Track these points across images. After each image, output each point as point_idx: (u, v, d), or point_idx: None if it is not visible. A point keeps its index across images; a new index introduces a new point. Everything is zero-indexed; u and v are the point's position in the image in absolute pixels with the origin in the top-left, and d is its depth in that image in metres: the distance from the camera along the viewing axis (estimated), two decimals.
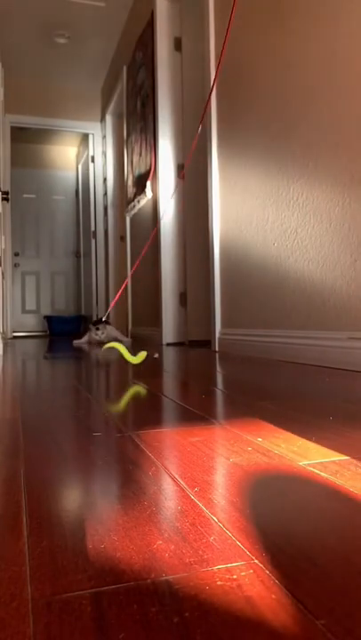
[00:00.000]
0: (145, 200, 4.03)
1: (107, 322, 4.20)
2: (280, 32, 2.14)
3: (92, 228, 6.05)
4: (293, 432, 0.82)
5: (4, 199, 3.96)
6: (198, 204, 3.66)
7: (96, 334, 3.91)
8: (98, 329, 3.93)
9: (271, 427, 0.86)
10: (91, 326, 4.04)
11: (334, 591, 0.35)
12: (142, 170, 4.07)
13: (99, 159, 5.92)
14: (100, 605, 0.34)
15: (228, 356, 2.42)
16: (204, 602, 0.34)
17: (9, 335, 5.59)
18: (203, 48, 3.65)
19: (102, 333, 3.94)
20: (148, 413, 1.00)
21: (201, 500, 0.53)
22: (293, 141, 2.07)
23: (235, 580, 0.37)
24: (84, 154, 6.50)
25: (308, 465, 0.64)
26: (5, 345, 3.83)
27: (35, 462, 0.68)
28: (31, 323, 6.97)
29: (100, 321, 4.18)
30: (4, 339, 4.23)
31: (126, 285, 4.82)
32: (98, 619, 0.32)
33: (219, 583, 0.36)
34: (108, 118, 5.55)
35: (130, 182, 4.51)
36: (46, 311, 7.02)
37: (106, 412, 1.01)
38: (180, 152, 3.72)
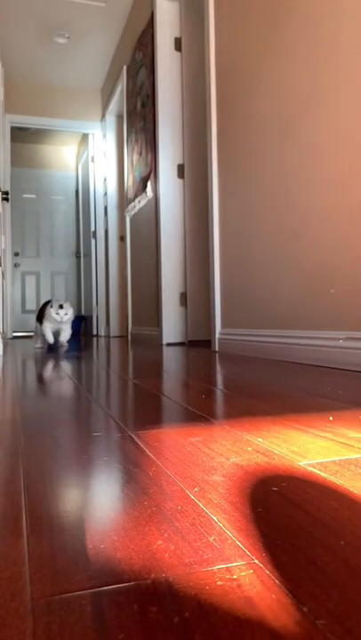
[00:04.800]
0: (145, 200, 4.03)
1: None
2: (281, 32, 2.14)
3: (92, 228, 6.05)
4: (293, 432, 0.82)
5: (4, 199, 3.96)
6: (198, 203, 3.66)
7: (57, 313, 3.14)
8: (61, 307, 3.16)
9: (271, 427, 0.86)
10: (50, 307, 3.16)
11: (334, 591, 0.35)
12: (142, 170, 4.07)
13: (99, 159, 5.92)
14: (99, 605, 0.34)
15: (228, 356, 2.42)
16: (204, 602, 0.34)
17: (9, 335, 5.60)
18: (203, 48, 3.65)
19: (66, 314, 3.16)
20: (148, 413, 1.00)
21: (201, 499, 0.53)
22: (294, 141, 2.07)
23: (235, 580, 0.37)
24: (84, 154, 6.50)
25: (308, 465, 0.64)
26: (5, 345, 3.83)
27: (35, 462, 0.68)
28: (31, 323, 6.97)
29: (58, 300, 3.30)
30: (4, 339, 4.22)
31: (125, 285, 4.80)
32: (98, 619, 0.32)
33: (219, 583, 0.36)
34: (108, 118, 5.55)
35: (130, 182, 4.51)
36: None
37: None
38: (180, 152, 3.72)
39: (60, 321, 3.14)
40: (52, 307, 3.15)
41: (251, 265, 2.48)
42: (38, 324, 3.37)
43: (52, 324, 3.20)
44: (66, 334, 3.27)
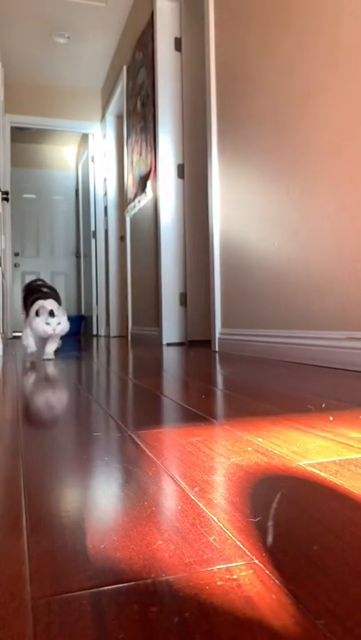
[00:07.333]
0: (145, 200, 4.03)
1: (55, 292, 2.50)
2: (280, 32, 2.14)
3: (92, 228, 6.05)
4: (293, 432, 0.82)
5: (4, 199, 3.96)
6: (198, 203, 3.66)
7: (48, 323, 2.29)
8: (52, 314, 2.29)
9: (271, 427, 0.86)
10: (39, 311, 2.30)
11: (334, 591, 0.35)
12: (142, 170, 4.07)
13: (99, 159, 5.92)
14: (99, 605, 0.34)
15: (228, 356, 2.42)
16: (204, 602, 0.34)
17: (9, 335, 5.59)
18: (203, 48, 3.65)
19: (59, 323, 2.31)
20: (148, 413, 1.00)
21: (201, 499, 0.53)
22: (294, 142, 2.07)
23: (235, 580, 0.37)
24: (84, 154, 6.50)
25: (308, 465, 0.64)
26: (5, 345, 3.83)
27: (35, 462, 0.68)
28: None
29: (46, 289, 2.44)
30: (4, 339, 4.21)
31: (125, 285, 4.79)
32: (98, 619, 0.32)
33: (219, 583, 0.36)
34: (108, 118, 5.55)
35: (130, 182, 4.51)
36: None
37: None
38: (180, 152, 3.72)
39: (52, 333, 2.32)
40: (38, 314, 2.31)
41: (251, 265, 2.47)
42: (25, 320, 2.54)
43: (37, 335, 2.41)
44: (54, 345, 2.48)
